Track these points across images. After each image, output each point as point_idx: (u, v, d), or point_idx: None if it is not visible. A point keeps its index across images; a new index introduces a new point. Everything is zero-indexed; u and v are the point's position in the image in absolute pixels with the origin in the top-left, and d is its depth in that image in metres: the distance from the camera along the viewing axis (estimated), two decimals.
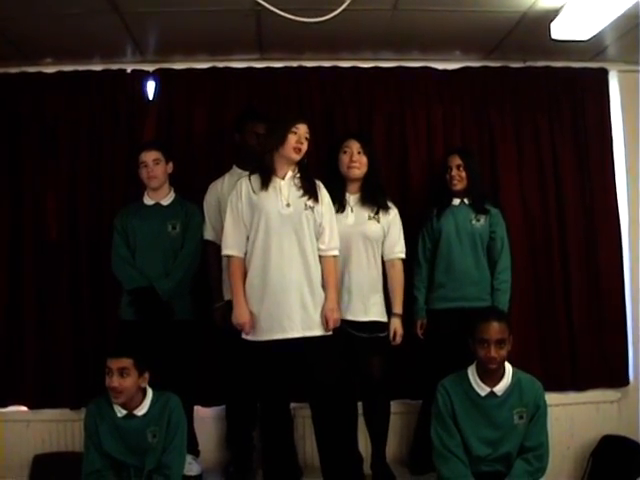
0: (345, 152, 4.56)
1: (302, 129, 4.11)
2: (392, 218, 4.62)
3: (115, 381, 3.82)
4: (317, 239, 4.18)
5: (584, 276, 5.38)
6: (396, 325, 4.57)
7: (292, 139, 4.08)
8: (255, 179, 4.16)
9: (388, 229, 4.60)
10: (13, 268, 5.14)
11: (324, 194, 4.24)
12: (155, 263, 4.60)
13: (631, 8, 4.17)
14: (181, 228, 4.67)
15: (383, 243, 4.61)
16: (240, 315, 4.11)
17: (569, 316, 5.32)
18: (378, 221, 4.56)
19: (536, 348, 5.28)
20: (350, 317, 4.45)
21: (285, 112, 4.53)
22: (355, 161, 4.53)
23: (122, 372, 3.83)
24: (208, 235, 4.71)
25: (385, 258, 4.63)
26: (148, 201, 4.74)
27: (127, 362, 3.85)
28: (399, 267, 4.64)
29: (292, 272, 4.07)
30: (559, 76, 5.45)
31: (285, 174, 4.18)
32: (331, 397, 4.15)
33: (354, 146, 4.55)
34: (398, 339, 4.57)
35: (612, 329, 5.38)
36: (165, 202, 4.74)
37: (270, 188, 4.12)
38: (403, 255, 4.65)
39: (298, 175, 4.19)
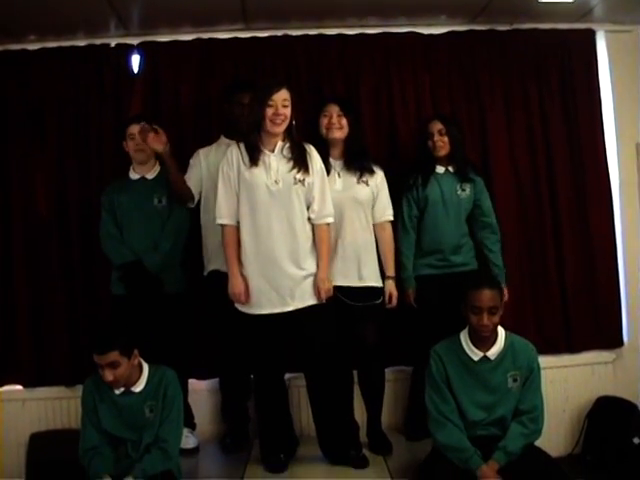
0: (325, 116, 4.55)
1: (278, 99, 4.04)
2: (380, 181, 4.63)
3: (109, 375, 3.79)
4: (309, 208, 4.17)
5: (576, 238, 5.37)
6: (391, 288, 4.62)
7: (269, 112, 4.03)
8: (245, 151, 4.13)
9: (377, 192, 4.60)
10: (4, 248, 5.13)
11: (315, 161, 4.20)
12: (143, 237, 4.59)
13: None
14: (167, 201, 4.65)
15: (373, 206, 4.61)
16: (233, 285, 4.12)
17: (562, 279, 5.33)
18: (367, 184, 4.55)
19: (529, 311, 5.30)
20: (344, 283, 4.45)
21: (261, 84, 4.46)
22: (334, 122, 4.52)
23: (112, 365, 3.79)
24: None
25: (375, 221, 4.63)
26: (134, 175, 4.73)
27: (114, 355, 3.78)
28: (389, 230, 4.67)
29: (281, 247, 4.07)
30: (546, 38, 5.41)
31: (274, 146, 4.14)
32: (325, 366, 4.17)
33: (333, 109, 4.54)
34: (394, 301, 4.62)
35: (605, 291, 5.39)
36: (150, 176, 4.71)
37: (260, 162, 4.09)
38: (392, 217, 4.67)
39: (288, 145, 4.16)
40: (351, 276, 4.51)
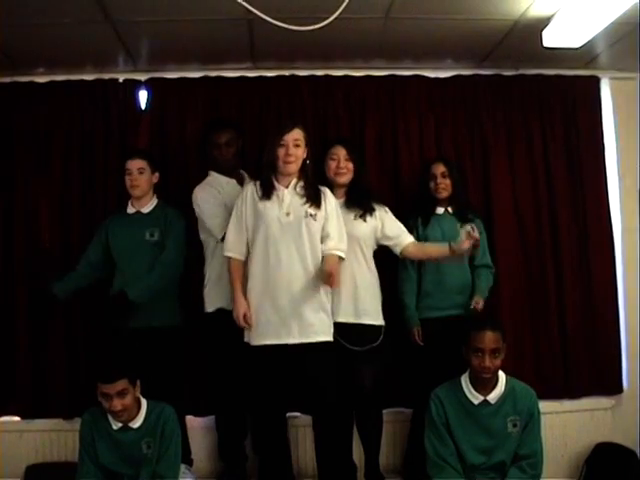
0: (332, 159, 4.55)
1: (289, 139, 4.10)
2: (382, 214, 4.58)
3: (117, 404, 3.80)
4: (322, 243, 4.17)
5: (577, 284, 5.37)
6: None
7: (281, 152, 4.09)
8: (260, 187, 4.18)
9: (383, 223, 4.55)
10: (5, 278, 5.11)
11: (330, 200, 4.24)
12: (135, 271, 4.61)
13: (622, 15, 4.17)
14: (160, 235, 4.67)
15: (387, 236, 4.55)
16: (238, 306, 4.10)
17: (562, 324, 5.32)
18: (365, 220, 4.50)
19: (529, 356, 5.27)
20: (341, 319, 4.38)
21: (275, 126, 4.45)
22: (342, 167, 4.53)
23: (121, 393, 3.80)
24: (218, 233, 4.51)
25: (398, 249, 4.56)
26: (130, 209, 4.78)
27: (123, 383, 3.81)
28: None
29: (291, 280, 4.08)
30: (551, 84, 5.46)
31: (289, 183, 4.19)
32: (332, 404, 4.15)
33: (341, 152, 4.55)
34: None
35: (606, 336, 5.37)
36: (145, 210, 4.76)
37: (273, 197, 4.14)
38: (411, 238, 4.58)
39: (302, 183, 4.19)
40: (347, 312, 4.44)
